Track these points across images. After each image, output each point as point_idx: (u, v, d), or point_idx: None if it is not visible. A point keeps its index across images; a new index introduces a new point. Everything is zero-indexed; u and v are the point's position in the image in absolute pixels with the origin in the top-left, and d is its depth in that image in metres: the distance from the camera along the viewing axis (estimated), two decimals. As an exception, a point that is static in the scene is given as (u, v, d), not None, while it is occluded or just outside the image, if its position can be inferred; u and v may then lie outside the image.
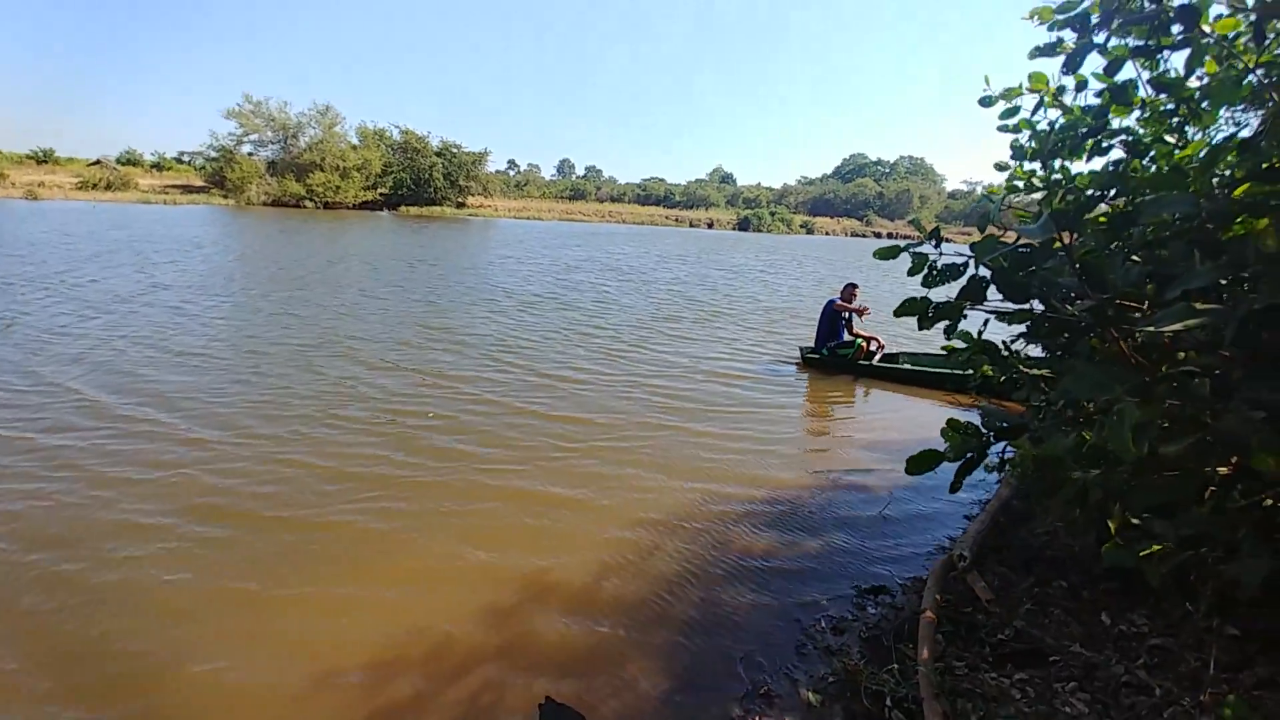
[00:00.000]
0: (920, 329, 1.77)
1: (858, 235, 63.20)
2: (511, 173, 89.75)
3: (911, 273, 1.75)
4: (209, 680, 2.31)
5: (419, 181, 45.77)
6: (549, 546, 3.29)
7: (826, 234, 63.42)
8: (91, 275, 11.03)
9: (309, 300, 9.91)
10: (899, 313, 1.72)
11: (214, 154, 41.29)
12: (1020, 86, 2.26)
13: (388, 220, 35.19)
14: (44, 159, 46.58)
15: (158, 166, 50.95)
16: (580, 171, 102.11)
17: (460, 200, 48.26)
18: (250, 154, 41.60)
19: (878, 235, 64.54)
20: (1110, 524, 1.74)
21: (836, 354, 7.50)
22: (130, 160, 50.42)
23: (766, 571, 3.22)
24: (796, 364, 7.78)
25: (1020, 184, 2.76)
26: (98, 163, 44.19)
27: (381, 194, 44.68)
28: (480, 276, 14.27)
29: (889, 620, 2.79)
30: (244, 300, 9.66)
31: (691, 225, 60.13)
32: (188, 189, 41.31)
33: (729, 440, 4.93)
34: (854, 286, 7.70)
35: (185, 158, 50.02)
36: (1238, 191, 1.34)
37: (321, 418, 4.90)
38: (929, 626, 2.46)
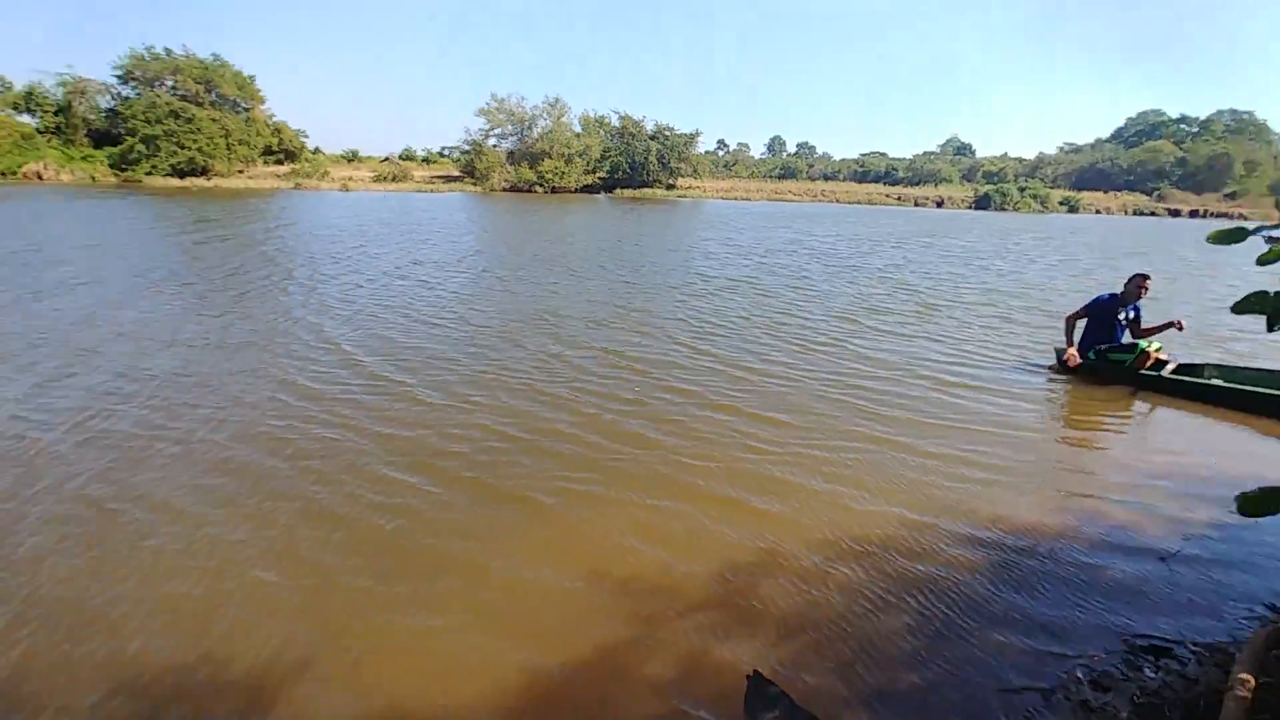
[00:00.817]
0: (1270, 330, 1.42)
1: (1141, 213, 51.39)
2: (720, 152, 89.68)
3: (1263, 261, 1.42)
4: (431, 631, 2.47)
5: (634, 165, 47.98)
6: (744, 556, 2.98)
7: (1097, 212, 52.70)
8: (370, 252, 13.35)
9: (524, 279, 10.81)
10: (1238, 309, 1.45)
11: (467, 148, 47.87)
12: None
13: (604, 202, 37.52)
14: (352, 158, 58.23)
15: (426, 160, 60.76)
16: (791, 149, 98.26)
17: (670, 182, 49.61)
18: (494, 146, 47.39)
19: (1173, 213, 51.73)
20: None
21: (1109, 359, 5.91)
22: (407, 156, 60.92)
23: (1003, 607, 2.65)
24: (1051, 369, 6.32)
25: None
26: (387, 159, 54.20)
27: (600, 178, 47.78)
28: (681, 259, 14.30)
29: (1174, 689, 2.20)
30: (473, 277, 10.85)
31: (917, 204, 54.38)
32: (448, 178, 48.51)
33: (953, 460, 4.07)
34: (1144, 278, 5.97)
35: (445, 152, 58.91)
36: None
37: (525, 391, 5.19)
38: (1239, 708, 1.85)
